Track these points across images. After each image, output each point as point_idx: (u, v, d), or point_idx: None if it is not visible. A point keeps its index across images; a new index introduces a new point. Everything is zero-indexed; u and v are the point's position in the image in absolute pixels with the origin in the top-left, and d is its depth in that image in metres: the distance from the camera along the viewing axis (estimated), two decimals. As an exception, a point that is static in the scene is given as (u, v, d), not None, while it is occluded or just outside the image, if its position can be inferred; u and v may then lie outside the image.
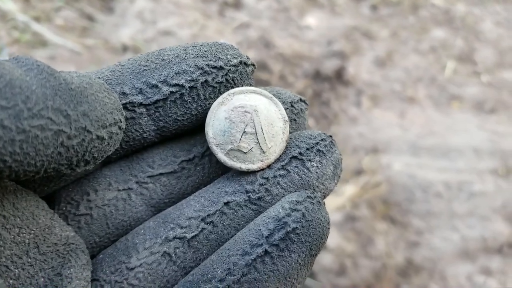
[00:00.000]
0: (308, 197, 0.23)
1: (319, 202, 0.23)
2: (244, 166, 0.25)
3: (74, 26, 1.27)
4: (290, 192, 0.24)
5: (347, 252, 0.94)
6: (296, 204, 0.23)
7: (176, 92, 0.24)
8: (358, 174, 1.06)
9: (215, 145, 0.25)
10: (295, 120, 0.27)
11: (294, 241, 0.22)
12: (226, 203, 0.24)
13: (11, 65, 0.18)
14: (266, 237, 0.22)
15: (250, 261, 0.22)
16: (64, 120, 0.19)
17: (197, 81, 0.24)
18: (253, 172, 0.25)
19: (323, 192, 0.25)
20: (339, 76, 1.24)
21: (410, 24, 1.43)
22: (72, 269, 0.23)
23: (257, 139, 0.25)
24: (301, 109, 0.27)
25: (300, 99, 0.27)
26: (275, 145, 0.25)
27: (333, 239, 0.94)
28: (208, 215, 0.24)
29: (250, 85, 0.26)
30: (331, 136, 0.26)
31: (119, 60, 1.27)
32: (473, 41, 1.41)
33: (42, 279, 0.22)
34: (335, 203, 0.99)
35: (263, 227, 0.23)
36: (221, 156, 0.25)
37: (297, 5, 1.43)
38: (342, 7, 1.45)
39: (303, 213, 0.22)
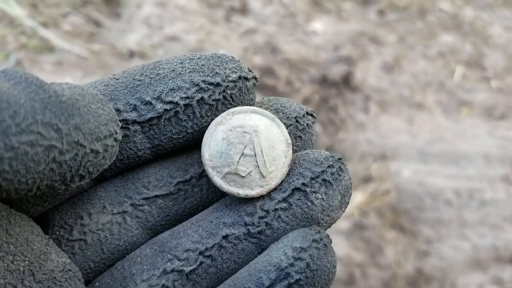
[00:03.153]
0: (314, 240, 0.21)
1: (326, 245, 0.22)
2: (242, 192, 0.23)
3: (81, 31, 1.27)
4: (292, 226, 0.23)
5: (355, 261, 0.92)
6: (300, 251, 0.21)
7: (171, 110, 0.23)
8: (367, 182, 1.05)
9: (211, 167, 0.23)
10: (301, 137, 0.25)
11: None
12: (225, 236, 0.23)
13: None
14: (267, 287, 0.21)
15: None
16: (55, 134, 0.18)
17: (192, 98, 0.23)
18: (252, 199, 0.23)
19: (329, 223, 0.23)
20: (346, 82, 1.23)
21: (417, 29, 1.42)
22: None
23: (257, 162, 0.23)
24: (307, 124, 0.25)
25: (307, 113, 0.25)
26: (276, 169, 0.23)
27: (342, 248, 0.93)
28: (207, 248, 0.23)
29: (251, 100, 0.24)
30: (340, 159, 0.24)
31: (126, 65, 1.27)
32: (482, 46, 1.40)
33: None
34: (343, 211, 0.98)
35: (264, 274, 0.21)
36: (217, 180, 0.23)
37: (304, 10, 1.42)
38: (349, 13, 1.44)
39: (307, 263, 0.21)
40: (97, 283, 0.24)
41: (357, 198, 1.01)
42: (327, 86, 1.22)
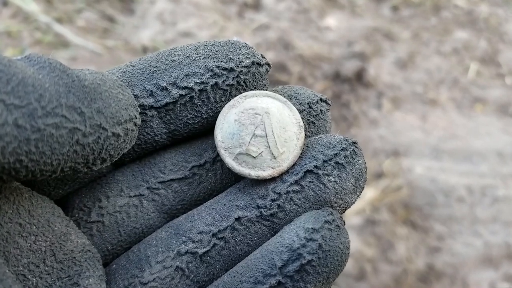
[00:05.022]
0: (326, 222, 0.21)
1: (338, 226, 0.21)
2: (253, 173, 0.23)
3: (95, 27, 1.28)
4: (304, 209, 0.23)
5: (366, 256, 0.92)
6: (312, 232, 0.21)
7: (186, 95, 0.23)
8: (379, 178, 1.05)
9: (223, 149, 0.24)
10: (314, 123, 0.25)
11: (310, 272, 0.21)
12: (238, 219, 0.23)
13: (23, 63, 0.18)
14: (280, 267, 0.21)
15: None
16: (78, 117, 0.19)
17: (207, 83, 0.23)
18: (264, 181, 0.23)
19: (343, 207, 0.23)
20: (359, 78, 1.23)
21: (432, 25, 1.41)
22: (91, 279, 0.22)
23: (268, 143, 0.23)
24: (321, 110, 0.25)
25: (321, 99, 0.25)
26: (288, 151, 0.23)
27: (353, 243, 0.93)
28: (220, 230, 0.23)
29: (264, 85, 0.25)
30: (354, 143, 0.23)
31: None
32: (497, 43, 1.38)
33: None
34: (354, 207, 0.98)
35: (276, 256, 0.21)
36: (229, 160, 0.24)
37: (317, 6, 1.42)
38: (362, 8, 1.43)
39: (319, 243, 0.21)
40: (114, 265, 0.25)
41: (369, 194, 1.01)
42: (340, 82, 1.22)
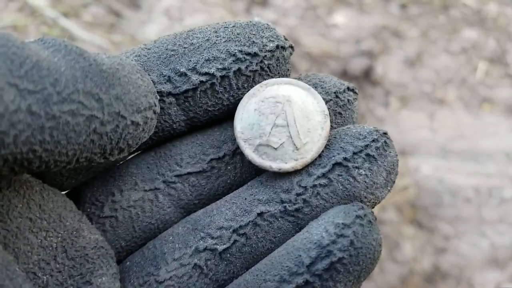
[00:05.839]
0: (357, 217, 0.20)
1: (370, 221, 0.20)
2: (274, 165, 0.22)
3: (101, 22, 1.28)
4: (332, 203, 0.21)
5: (373, 256, 0.92)
6: (342, 228, 0.19)
7: (207, 81, 0.22)
8: (385, 177, 1.04)
9: (243, 140, 0.22)
10: (341, 113, 0.23)
11: (340, 271, 0.19)
12: (260, 214, 0.22)
13: (37, 46, 0.17)
14: (308, 265, 0.19)
15: None
16: (96, 104, 0.17)
17: (229, 69, 0.22)
18: (287, 174, 0.22)
19: (373, 202, 0.22)
20: (367, 76, 1.22)
21: (440, 24, 1.40)
22: (104, 278, 0.21)
23: (289, 133, 0.22)
24: (348, 100, 0.24)
25: (348, 88, 0.24)
26: (312, 141, 0.22)
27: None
28: (241, 226, 0.22)
29: (288, 70, 0.23)
30: (385, 134, 0.22)
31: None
32: (506, 42, 1.37)
33: None
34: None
35: (303, 253, 0.20)
36: (249, 152, 0.22)
37: (325, 3, 1.41)
38: (371, 6, 1.42)
39: (351, 240, 0.19)
40: (128, 263, 0.24)
41: (376, 193, 1.01)
42: (347, 79, 1.21)
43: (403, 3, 1.46)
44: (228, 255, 0.22)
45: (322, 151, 0.22)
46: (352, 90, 0.24)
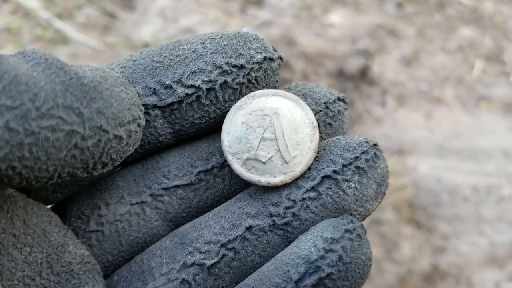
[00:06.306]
0: (347, 231, 0.19)
1: (360, 235, 0.20)
2: (263, 180, 0.21)
3: (95, 23, 1.27)
4: (322, 217, 0.21)
5: (371, 256, 0.92)
6: (331, 243, 0.19)
7: (192, 94, 0.22)
8: (383, 176, 1.04)
9: (231, 154, 0.22)
10: (331, 124, 0.23)
11: (329, 286, 0.19)
12: (249, 228, 0.21)
13: (16, 59, 0.16)
14: (296, 281, 0.19)
15: None
16: (76, 119, 0.17)
17: (215, 82, 0.21)
18: (276, 188, 0.22)
19: (363, 215, 0.21)
20: (364, 75, 1.22)
21: (436, 23, 1.40)
22: None
23: (278, 146, 0.21)
24: (338, 110, 0.23)
25: (338, 98, 0.23)
26: (301, 154, 0.21)
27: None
28: (229, 240, 0.22)
29: (276, 82, 0.23)
30: (376, 145, 0.22)
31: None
32: (502, 41, 1.37)
33: None
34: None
35: (292, 268, 0.19)
36: (237, 167, 0.22)
37: (321, 2, 1.41)
38: (367, 5, 1.42)
39: (339, 255, 0.19)
40: (115, 277, 0.23)
41: (373, 193, 1.01)
42: (343, 79, 1.21)
43: (399, 2, 1.46)
44: (217, 269, 0.22)
45: (311, 164, 0.22)
46: (343, 100, 0.24)
